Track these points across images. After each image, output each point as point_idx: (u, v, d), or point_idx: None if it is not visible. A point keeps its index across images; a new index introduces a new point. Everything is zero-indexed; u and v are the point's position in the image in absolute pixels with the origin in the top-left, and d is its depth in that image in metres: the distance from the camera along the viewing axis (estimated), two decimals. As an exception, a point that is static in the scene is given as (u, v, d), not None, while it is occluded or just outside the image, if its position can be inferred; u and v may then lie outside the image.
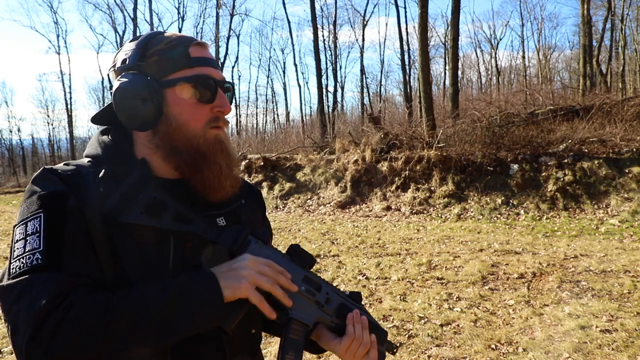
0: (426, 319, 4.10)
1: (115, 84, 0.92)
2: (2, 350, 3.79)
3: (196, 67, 0.92)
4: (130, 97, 0.89)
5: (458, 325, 3.94)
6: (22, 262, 0.75)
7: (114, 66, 0.95)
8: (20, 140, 41.01)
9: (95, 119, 1.00)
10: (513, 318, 4.04)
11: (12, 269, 0.75)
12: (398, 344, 1.08)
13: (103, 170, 0.88)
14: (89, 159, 0.93)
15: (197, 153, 0.92)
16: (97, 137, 0.97)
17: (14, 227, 0.82)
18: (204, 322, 0.80)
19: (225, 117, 0.99)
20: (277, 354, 0.93)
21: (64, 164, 0.92)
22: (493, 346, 3.54)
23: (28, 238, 0.77)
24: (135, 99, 0.89)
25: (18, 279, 0.73)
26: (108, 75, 0.99)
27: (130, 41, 0.95)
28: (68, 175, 0.86)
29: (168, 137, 0.92)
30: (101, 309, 0.73)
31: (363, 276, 5.43)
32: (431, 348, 3.58)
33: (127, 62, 0.92)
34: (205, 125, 0.94)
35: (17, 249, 0.78)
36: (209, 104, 0.94)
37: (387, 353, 1.06)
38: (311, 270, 0.99)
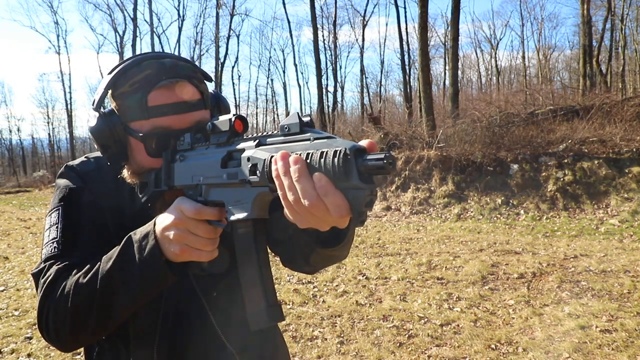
0: (426, 319, 4.10)
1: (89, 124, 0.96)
2: (2, 350, 3.79)
3: (152, 118, 0.88)
4: (95, 140, 0.95)
5: (458, 325, 3.94)
6: (46, 250, 0.90)
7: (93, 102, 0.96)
8: (20, 140, 41.15)
9: None
10: (513, 318, 4.04)
11: (42, 254, 0.91)
12: (388, 152, 0.55)
13: (125, 168, 0.97)
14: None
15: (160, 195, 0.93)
16: None
17: (46, 215, 0.97)
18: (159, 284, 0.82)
19: None
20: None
21: (85, 157, 1.04)
22: (493, 346, 3.54)
23: (51, 228, 0.92)
24: (98, 142, 0.94)
25: (41, 266, 0.88)
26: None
27: (109, 72, 0.94)
28: (85, 172, 0.99)
29: (135, 175, 0.95)
30: (70, 288, 0.81)
31: (363, 276, 5.43)
32: (431, 348, 3.58)
33: (94, 104, 0.94)
34: None
35: (45, 236, 0.93)
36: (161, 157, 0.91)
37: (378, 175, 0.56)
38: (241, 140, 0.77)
